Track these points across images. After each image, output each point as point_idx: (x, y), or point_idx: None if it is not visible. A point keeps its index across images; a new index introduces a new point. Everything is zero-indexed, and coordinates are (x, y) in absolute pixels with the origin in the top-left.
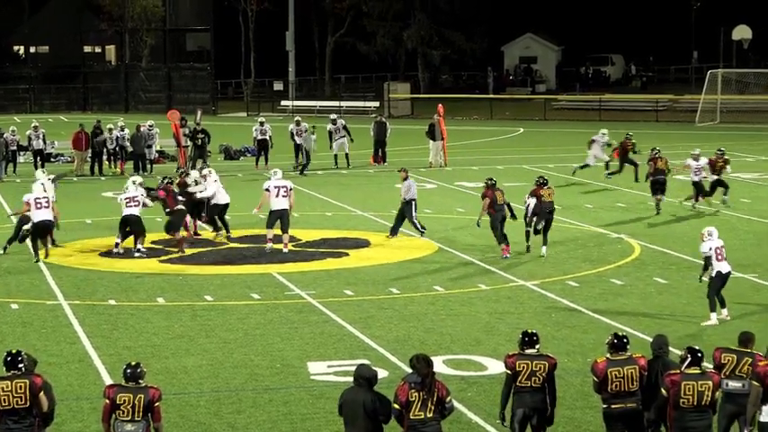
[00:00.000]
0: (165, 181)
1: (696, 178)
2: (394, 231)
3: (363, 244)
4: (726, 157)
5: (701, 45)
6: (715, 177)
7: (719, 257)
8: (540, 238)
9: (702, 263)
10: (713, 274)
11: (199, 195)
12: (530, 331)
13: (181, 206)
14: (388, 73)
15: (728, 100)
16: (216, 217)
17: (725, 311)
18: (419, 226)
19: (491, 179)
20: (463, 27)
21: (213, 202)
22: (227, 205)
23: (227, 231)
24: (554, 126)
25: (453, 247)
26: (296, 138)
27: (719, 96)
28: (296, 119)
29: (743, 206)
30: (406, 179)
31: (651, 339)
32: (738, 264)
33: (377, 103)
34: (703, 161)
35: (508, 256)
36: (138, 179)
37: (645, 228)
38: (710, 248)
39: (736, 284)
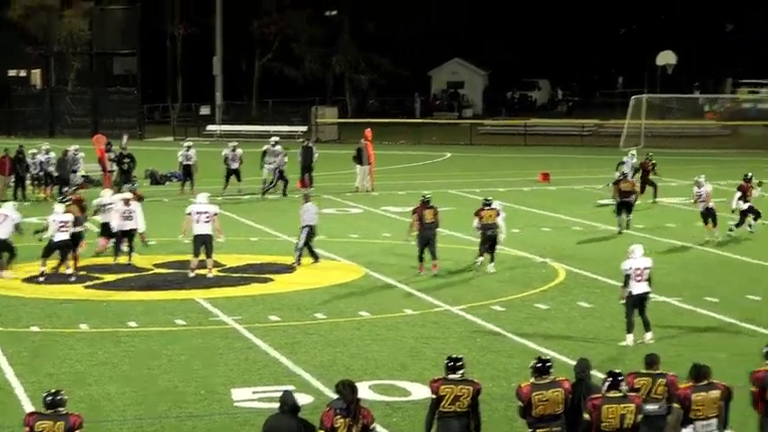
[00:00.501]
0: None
1: (701, 207)
2: (313, 256)
3: (289, 269)
4: (753, 182)
5: (627, 70)
6: (747, 205)
7: (638, 278)
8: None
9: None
10: (627, 295)
11: (129, 225)
12: (455, 356)
13: (81, 228)
14: (316, 97)
15: (653, 125)
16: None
17: (648, 335)
18: (298, 255)
19: (425, 196)
20: (390, 52)
21: (122, 228)
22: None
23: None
24: (480, 150)
25: (379, 272)
26: (230, 162)
27: (644, 121)
28: (231, 144)
29: (669, 230)
30: (304, 203)
31: (575, 363)
32: (663, 287)
33: (304, 128)
34: (705, 189)
35: (429, 272)
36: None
37: (570, 251)
38: (630, 267)
39: (659, 308)
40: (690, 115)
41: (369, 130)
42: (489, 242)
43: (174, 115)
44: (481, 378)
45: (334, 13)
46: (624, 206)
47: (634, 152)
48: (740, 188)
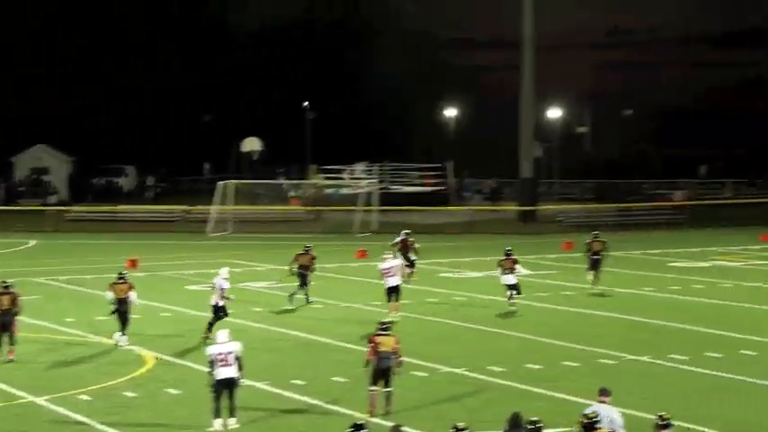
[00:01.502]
0: None
1: (388, 283)
2: None
3: None
4: (514, 257)
5: (214, 157)
6: (511, 281)
7: (221, 363)
8: None
9: None
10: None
11: None
12: None
13: None
14: None
15: (241, 210)
16: None
17: (231, 420)
18: None
19: (4, 282)
20: None
21: None
22: None
23: None
24: (68, 237)
25: None
26: None
27: (232, 207)
28: None
29: (256, 315)
30: None
31: None
32: (251, 371)
33: None
34: (389, 264)
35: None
36: None
37: (159, 337)
38: (213, 352)
39: (247, 392)
40: (276, 200)
41: None
42: (122, 315)
43: None
44: None
45: None
46: (301, 277)
47: (407, 231)
48: (499, 263)
